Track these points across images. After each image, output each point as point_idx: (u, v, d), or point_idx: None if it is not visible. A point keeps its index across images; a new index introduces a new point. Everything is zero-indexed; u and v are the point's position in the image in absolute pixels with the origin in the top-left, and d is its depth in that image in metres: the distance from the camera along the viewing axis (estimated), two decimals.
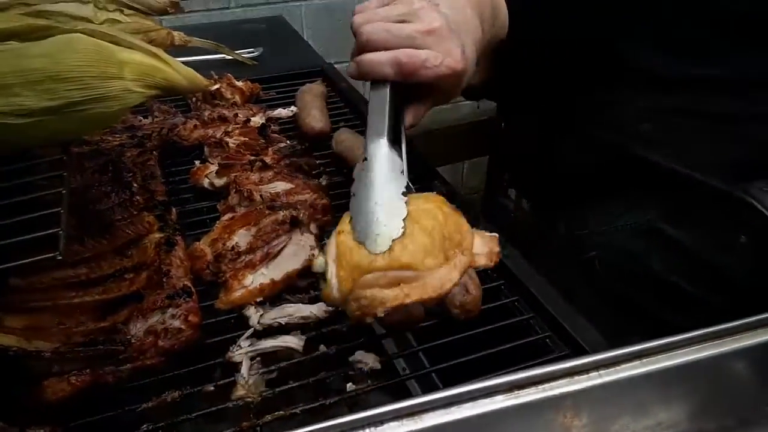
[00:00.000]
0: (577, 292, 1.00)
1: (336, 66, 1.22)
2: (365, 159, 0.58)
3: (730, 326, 0.44)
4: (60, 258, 0.43)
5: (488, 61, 0.94)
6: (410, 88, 0.64)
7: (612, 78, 1.05)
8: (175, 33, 0.63)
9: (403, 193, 0.56)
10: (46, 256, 0.43)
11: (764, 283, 0.88)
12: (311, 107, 0.94)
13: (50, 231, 0.44)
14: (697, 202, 0.96)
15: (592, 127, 1.08)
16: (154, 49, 0.50)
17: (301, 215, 0.66)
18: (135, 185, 0.77)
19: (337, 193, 0.78)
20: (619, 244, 1.04)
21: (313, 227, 0.68)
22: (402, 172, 0.58)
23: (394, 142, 0.60)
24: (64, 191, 0.49)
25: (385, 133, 0.59)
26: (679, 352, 0.43)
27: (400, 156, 0.60)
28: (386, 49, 0.61)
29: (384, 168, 0.57)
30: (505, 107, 1.28)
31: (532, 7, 0.85)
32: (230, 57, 1.13)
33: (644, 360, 0.42)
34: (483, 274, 0.66)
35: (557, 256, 1.20)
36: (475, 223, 0.69)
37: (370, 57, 0.61)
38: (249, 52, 1.23)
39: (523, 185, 1.42)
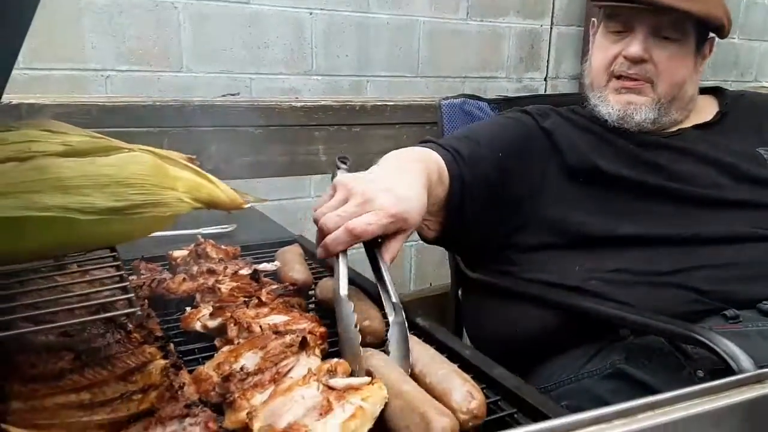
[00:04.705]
0: None
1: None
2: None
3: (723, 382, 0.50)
4: (140, 313, 0.45)
5: (439, 217, 1.12)
6: (382, 236, 0.84)
7: (555, 240, 1.19)
8: None
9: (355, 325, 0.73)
10: (126, 311, 0.45)
11: None
12: (293, 262, 1.01)
13: (125, 296, 0.46)
14: (653, 345, 1.05)
15: (545, 291, 1.19)
16: (200, 171, 0.57)
17: (309, 338, 0.69)
18: (131, 325, 0.78)
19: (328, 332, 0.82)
20: (586, 390, 1.08)
21: (317, 351, 0.71)
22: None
23: (378, 279, 0.82)
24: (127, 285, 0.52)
25: (346, 290, 0.77)
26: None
27: (384, 290, 0.81)
28: (339, 227, 0.80)
29: (346, 313, 0.74)
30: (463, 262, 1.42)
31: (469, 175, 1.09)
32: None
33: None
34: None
35: None
36: None
37: (330, 237, 0.81)
38: (223, 228, 1.32)
39: (484, 350, 1.47)
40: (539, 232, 1.22)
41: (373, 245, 0.85)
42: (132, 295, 0.52)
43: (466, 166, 1.10)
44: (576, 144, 1.25)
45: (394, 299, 0.78)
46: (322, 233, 0.82)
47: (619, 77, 1.23)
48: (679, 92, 1.23)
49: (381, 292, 0.82)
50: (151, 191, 0.53)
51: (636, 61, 1.20)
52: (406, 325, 0.75)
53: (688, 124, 1.27)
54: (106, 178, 0.51)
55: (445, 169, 1.08)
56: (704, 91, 1.39)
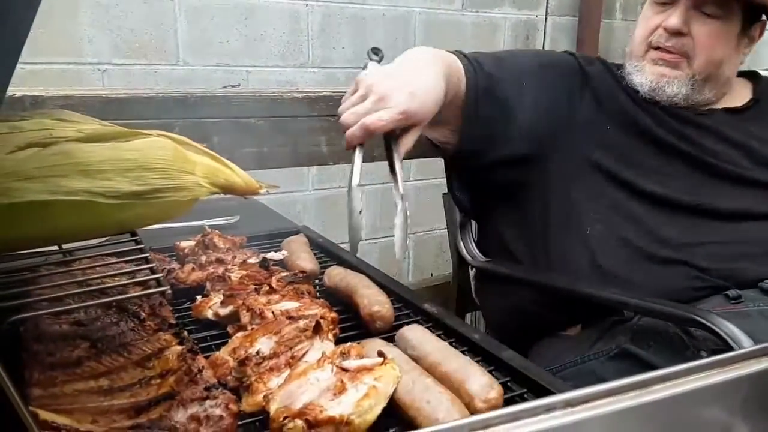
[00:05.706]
0: None
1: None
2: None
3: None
4: (170, 292, 0.46)
5: (457, 123, 1.14)
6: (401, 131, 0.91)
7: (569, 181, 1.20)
8: None
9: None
10: (158, 290, 0.46)
11: None
12: (299, 251, 1.02)
13: (153, 276, 0.47)
14: (658, 325, 1.06)
15: (550, 277, 1.20)
16: (217, 156, 0.58)
17: (322, 323, 0.70)
18: (143, 314, 0.79)
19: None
20: (591, 372, 1.10)
21: (330, 336, 0.72)
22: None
23: (391, 171, 0.89)
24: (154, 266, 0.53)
25: (358, 180, 0.85)
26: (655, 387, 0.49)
27: (395, 181, 0.87)
28: (356, 123, 0.87)
29: (356, 200, 0.83)
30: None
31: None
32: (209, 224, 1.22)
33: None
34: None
35: None
36: None
37: (349, 132, 0.88)
38: (226, 219, 1.32)
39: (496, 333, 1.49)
40: (559, 167, 1.22)
41: (390, 139, 0.91)
42: (161, 275, 0.53)
43: (483, 78, 1.13)
44: (613, 93, 1.25)
45: (401, 191, 0.85)
46: (343, 127, 0.89)
47: (657, 48, 1.24)
48: (715, 71, 1.22)
49: (393, 183, 0.88)
50: (172, 176, 0.54)
51: (674, 32, 1.20)
52: (408, 214, 0.84)
53: (719, 105, 1.27)
54: (129, 163, 0.52)
55: (464, 75, 1.11)
56: (740, 74, 1.36)
